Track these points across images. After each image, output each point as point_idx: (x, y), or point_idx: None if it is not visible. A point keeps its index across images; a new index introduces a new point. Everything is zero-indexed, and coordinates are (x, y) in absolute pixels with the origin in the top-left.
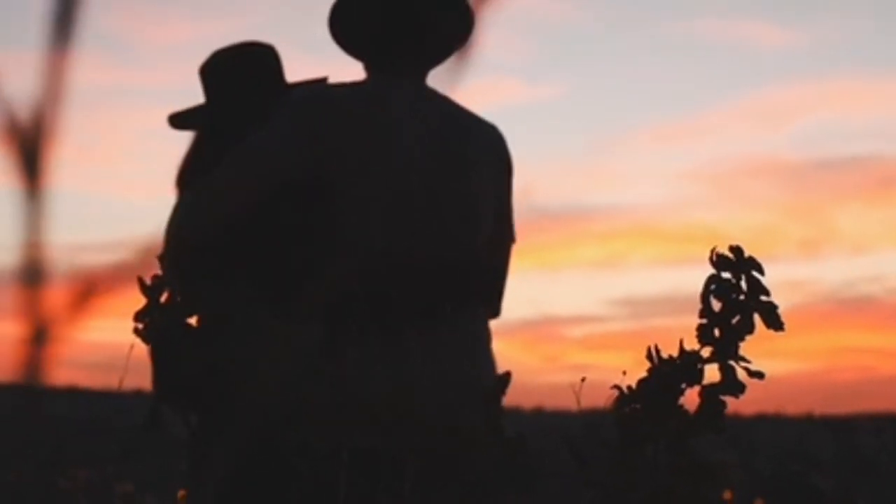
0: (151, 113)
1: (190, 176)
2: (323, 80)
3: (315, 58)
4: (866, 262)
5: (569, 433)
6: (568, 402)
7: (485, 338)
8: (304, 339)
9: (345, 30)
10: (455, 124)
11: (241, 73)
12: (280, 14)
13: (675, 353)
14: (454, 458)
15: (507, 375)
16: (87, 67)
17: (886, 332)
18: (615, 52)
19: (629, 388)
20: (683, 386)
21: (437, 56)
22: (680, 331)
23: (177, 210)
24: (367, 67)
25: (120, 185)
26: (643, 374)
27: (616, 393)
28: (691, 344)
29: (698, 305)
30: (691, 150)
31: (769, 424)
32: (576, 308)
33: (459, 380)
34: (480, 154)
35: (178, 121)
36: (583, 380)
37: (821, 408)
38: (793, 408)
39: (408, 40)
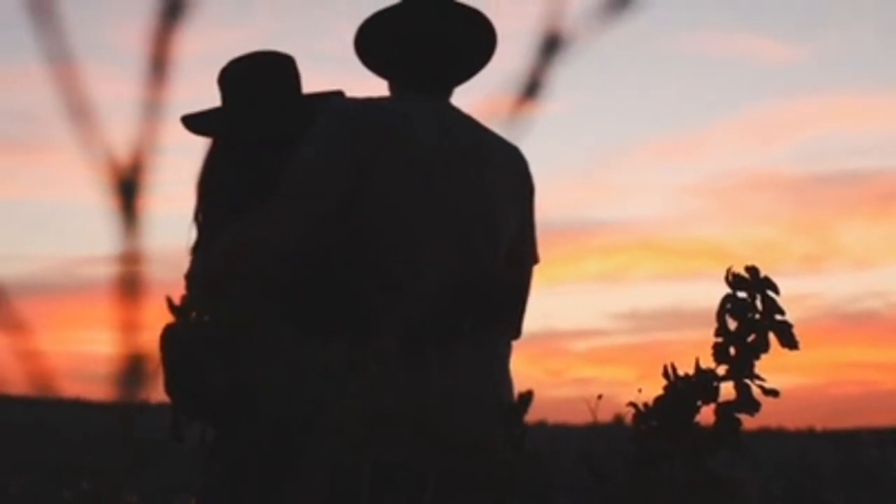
0: (164, 125)
1: (208, 186)
2: (339, 94)
3: (325, 69)
4: (868, 278)
5: (585, 449)
6: (571, 416)
7: (505, 357)
8: (327, 355)
9: (370, 48)
10: (478, 143)
11: (257, 82)
12: (292, 26)
13: (680, 368)
14: (474, 474)
15: (529, 394)
16: (99, 80)
17: (888, 346)
18: (619, 68)
19: (645, 404)
20: (699, 403)
21: (462, 75)
22: (682, 344)
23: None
24: (392, 85)
25: None
26: (648, 387)
27: (631, 409)
28: (707, 361)
29: (701, 319)
30: (694, 165)
31: (771, 439)
32: (579, 322)
33: (479, 397)
34: (503, 173)
35: (193, 123)
36: (599, 397)
37: (823, 422)
38: (795, 422)
39: (433, 59)
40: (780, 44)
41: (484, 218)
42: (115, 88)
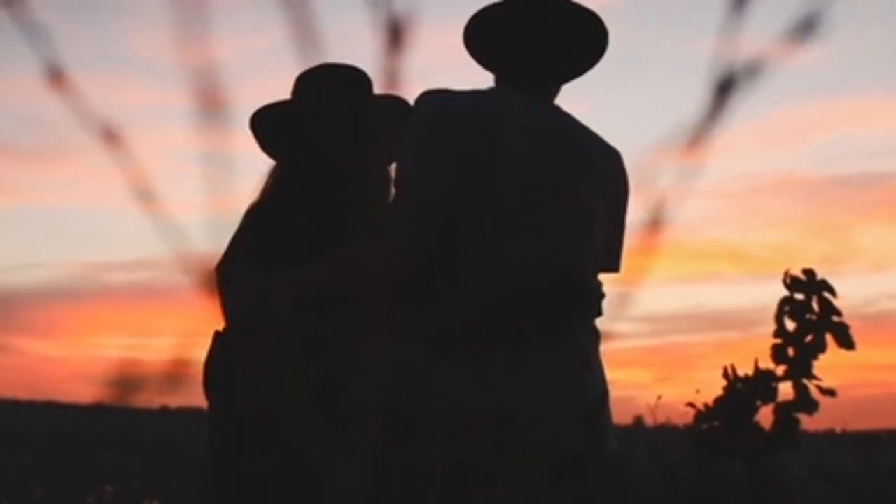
0: (177, 133)
1: (276, 203)
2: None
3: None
4: (886, 279)
5: (655, 450)
6: None
7: (594, 348)
8: (405, 356)
9: (478, 40)
10: (576, 144)
11: (346, 105)
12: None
13: (698, 370)
14: (552, 474)
15: (604, 393)
16: (117, 89)
17: None
18: (636, 72)
19: (706, 405)
20: (758, 403)
21: (569, 74)
22: (700, 346)
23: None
24: (497, 79)
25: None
26: (665, 389)
27: (690, 409)
28: (720, 364)
29: (718, 321)
30: (712, 168)
31: None
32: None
33: (561, 395)
34: (600, 176)
35: (267, 141)
36: (659, 398)
37: (842, 423)
38: (815, 424)
39: (540, 56)
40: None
41: (576, 221)
42: (136, 96)
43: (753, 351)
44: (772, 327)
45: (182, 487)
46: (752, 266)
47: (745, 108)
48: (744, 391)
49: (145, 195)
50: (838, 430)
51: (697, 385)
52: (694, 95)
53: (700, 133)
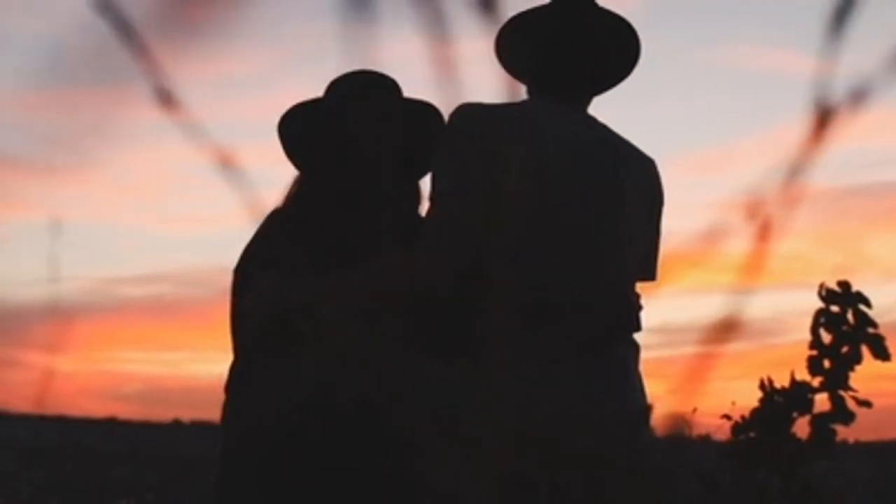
0: (188, 147)
1: (299, 211)
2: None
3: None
4: None
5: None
6: None
7: (633, 361)
8: (452, 373)
9: (510, 52)
10: (612, 154)
11: (393, 110)
12: (317, 48)
13: (709, 381)
14: (595, 490)
15: (649, 407)
16: (127, 104)
17: None
18: (649, 82)
19: (742, 417)
20: (795, 415)
21: (603, 85)
22: (713, 358)
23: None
24: (530, 90)
25: (158, 219)
26: (675, 402)
27: (725, 421)
28: (726, 376)
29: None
30: (724, 179)
31: None
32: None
33: (598, 408)
34: (635, 186)
35: (295, 152)
36: (694, 409)
37: (856, 434)
38: None
39: (574, 67)
40: (809, 56)
41: (614, 232)
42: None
43: (767, 361)
44: (786, 337)
45: (195, 501)
46: (764, 276)
47: (756, 119)
48: (780, 403)
49: (258, 211)
50: (851, 440)
51: (709, 395)
52: (709, 102)
53: (802, 160)
